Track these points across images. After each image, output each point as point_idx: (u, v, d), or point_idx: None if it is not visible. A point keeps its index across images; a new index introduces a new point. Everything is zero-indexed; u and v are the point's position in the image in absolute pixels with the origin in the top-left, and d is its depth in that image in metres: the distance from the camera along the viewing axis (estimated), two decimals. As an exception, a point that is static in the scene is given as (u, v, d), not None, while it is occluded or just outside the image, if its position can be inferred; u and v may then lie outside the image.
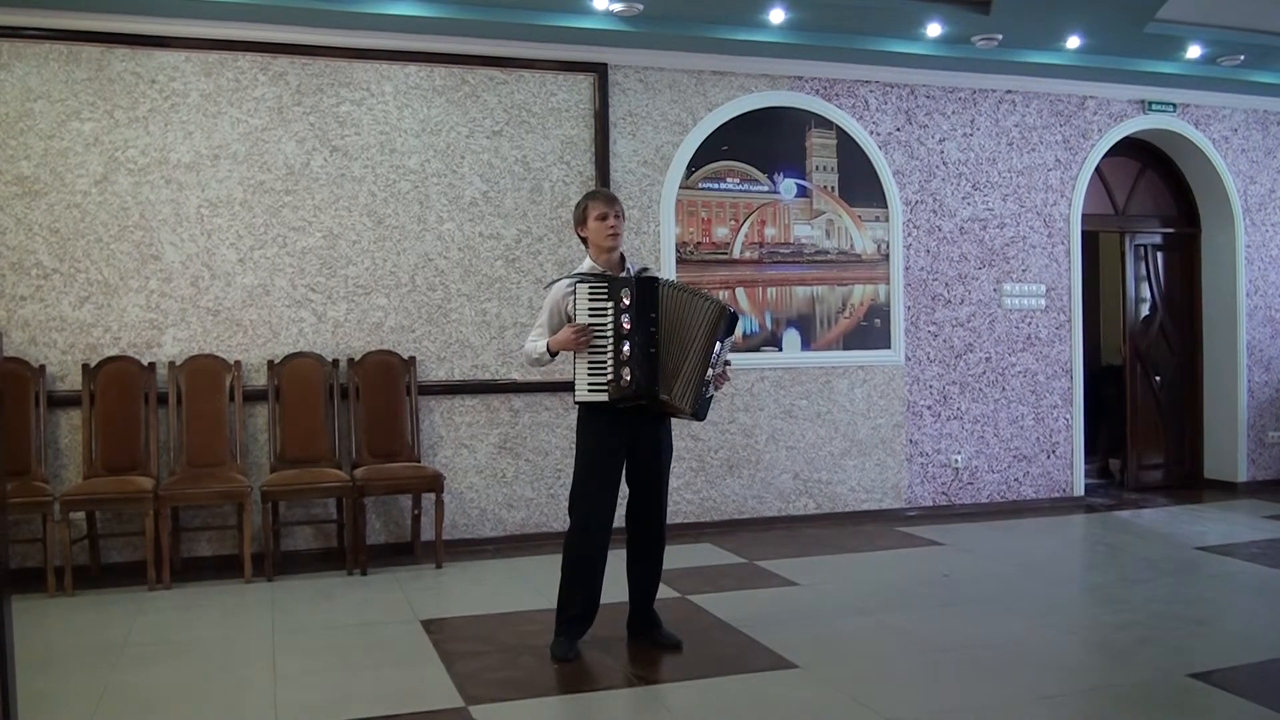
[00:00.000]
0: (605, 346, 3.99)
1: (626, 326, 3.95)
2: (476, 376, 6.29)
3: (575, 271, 4.26)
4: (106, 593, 5.27)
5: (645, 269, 4.29)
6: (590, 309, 4.01)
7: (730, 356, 4.23)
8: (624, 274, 4.14)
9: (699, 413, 4.07)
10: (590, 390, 4.02)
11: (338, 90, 6.07)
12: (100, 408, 5.56)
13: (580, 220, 4.22)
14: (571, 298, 4.08)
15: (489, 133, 6.34)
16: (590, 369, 4.01)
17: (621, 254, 4.25)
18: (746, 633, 4.43)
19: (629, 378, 3.93)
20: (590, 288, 4.03)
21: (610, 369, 3.97)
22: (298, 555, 5.93)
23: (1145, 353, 8.26)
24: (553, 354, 4.13)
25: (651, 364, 3.96)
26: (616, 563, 4.24)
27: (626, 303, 3.96)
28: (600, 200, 4.19)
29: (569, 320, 4.07)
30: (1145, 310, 8.30)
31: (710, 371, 4.01)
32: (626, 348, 3.94)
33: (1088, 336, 8.11)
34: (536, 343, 4.17)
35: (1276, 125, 8.26)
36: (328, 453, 5.89)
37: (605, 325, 3.99)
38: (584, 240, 4.26)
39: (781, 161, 6.91)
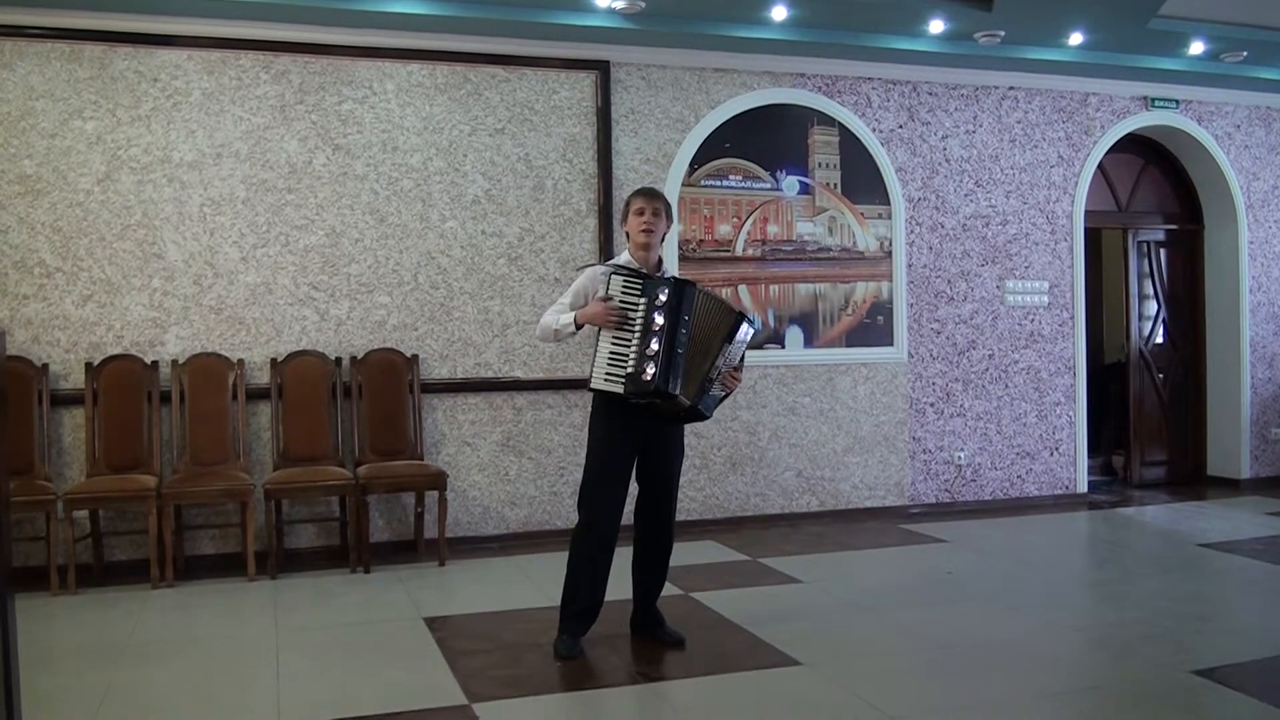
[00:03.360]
0: (630, 339, 3.98)
1: (658, 325, 3.93)
2: (479, 374, 6.29)
3: (612, 262, 4.27)
4: (110, 591, 5.28)
5: (674, 277, 4.28)
6: (621, 301, 4.02)
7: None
8: (659, 274, 4.15)
9: (702, 410, 4.05)
10: (607, 379, 4.01)
11: (340, 88, 6.07)
12: (103, 406, 5.57)
13: (624, 214, 4.26)
14: (604, 285, 4.08)
15: (491, 130, 6.34)
16: (611, 359, 4.00)
17: (660, 258, 4.25)
18: (750, 630, 4.44)
19: (651, 374, 3.91)
20: (625, 281, 4.04)
21: (632, 362, 3.95)
22: (301, 553, 5.94)
23: (1148, 349, 8.26)
24: (578, 326, 4.11)
25: (677, 364, 3.94)
26: (621, 561, 4.24)
27: (661, 300, 3.95)
28: (641, 196, 4.20)
29: None
30: (1148, 307, 8.29)
31: (716, 371, 4.03)
32: (655, 344, 3.92)
33: (1090, 333, 8.10)
34: (559, 316, 4.15)
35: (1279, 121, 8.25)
36: (330, 451, 5.89)
37: (634, 320, 3.99)
38: (627, 235, 4.27)
39: (784, 159, 6.91)
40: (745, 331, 4.09)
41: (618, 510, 4.15)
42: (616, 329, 4.00)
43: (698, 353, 4.01)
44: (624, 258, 4.24)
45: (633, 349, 3.97)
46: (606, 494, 4.13)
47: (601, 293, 4.08)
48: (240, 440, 5.78)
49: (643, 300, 3.99)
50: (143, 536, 5.51)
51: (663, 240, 4.24)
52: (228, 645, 4.37)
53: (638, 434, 4.11)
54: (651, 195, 4.20)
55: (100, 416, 5.56)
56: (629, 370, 3.96)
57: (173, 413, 5.71)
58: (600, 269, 4.18)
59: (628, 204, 4.23)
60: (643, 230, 4.14)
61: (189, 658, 4.20)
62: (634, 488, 4.24)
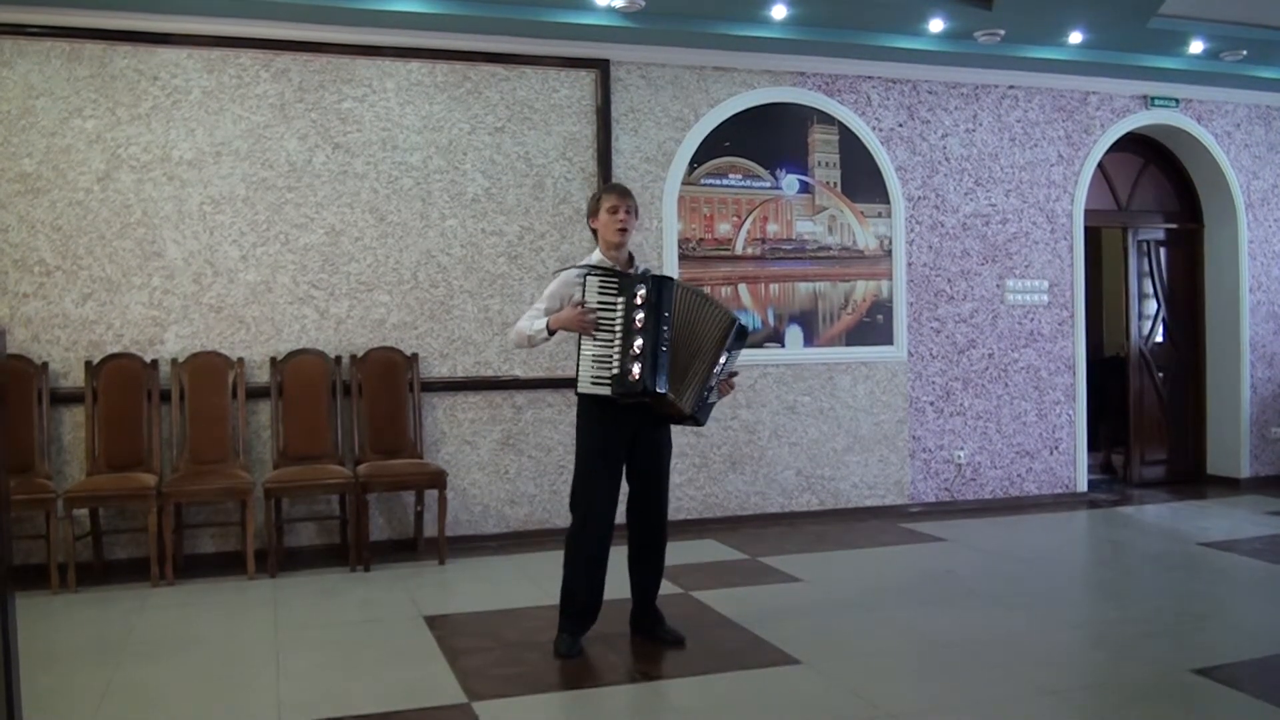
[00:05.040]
0: (612, 340, 3.96)
1: (638, 324, 3.91)
2: (479, 373, 6.29)
3: (584, 263, 4.24)
4: (110, 589, 5.28)
5: (648, 269, 4.28)
6: (599, 302, 3.99)
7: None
8: (633, 271, 4.14)
9: (698, 416, 4.07)
10: (594, 383, 3.99)
11: (340, 87, 6.07)
12: (103, 405, 5.57)
13: (592, 211, 4.22)
14: (579, 288, 4.05)
15: (491, 129, 6.33)
16: (595, 362, 3.98)
17: (630, 253, 4.25)
18: (749, 629, 4.44)
19: (638, 374, 3.89)
20: (600, 281, 4.01)
21: (616, 363, 3.94)
22: (301, 552, 5.94)
23: (1148, 348, 8.26)
24: (551, 332, 4.09)
25: (663, 363, 3.93)
26: (619, 559, 4.24)
27: (640, 299, 3.93)
28: (613, 194, 4.18)
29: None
30: (1148, 306, 8.29)
31: (714, 378, 4.02)
32: (638, 343, 3.90)
33: (1090, 332, 8.11)
34: (533, 321, 4.11)
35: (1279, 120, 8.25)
36: (330, 449, 5.89)
37: (613, 320, 3.97)
38: (594, 232, 4.25)
39: (784, 157, 6.91)
40: (739, 335, 4.07)
41: (610, 509, 4.14)
42: (596, 331, 3.98)
43: (685, 350, 4.00)
44: (595, 257, 4.20)
45: (616, 350, 3.94)
46: (597, 494, 4.11)
47: (577, 296, 4.04)
48: (240, 439, 5.78)
49: (621, 299, 3.96)
50: (143, 535, 5.51)
51: None
52: (228, 643, 4.37)
53: (625, 433, 4.10)
54: (624, 193, 4.18)
55: (100, 415, 5.56)
56: (614, 371, 3.93)
57: (172, 411, 5.71)
58: (574, 272, 4.14)
59: (597, 201, 4.19)
60: (618, 229, 4.11)
61: (189, 656, 4.20)
62: (625, 485, 4.23)
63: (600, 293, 4.00)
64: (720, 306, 4.14)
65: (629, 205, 4.15)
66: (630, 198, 4.18)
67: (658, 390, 3.92)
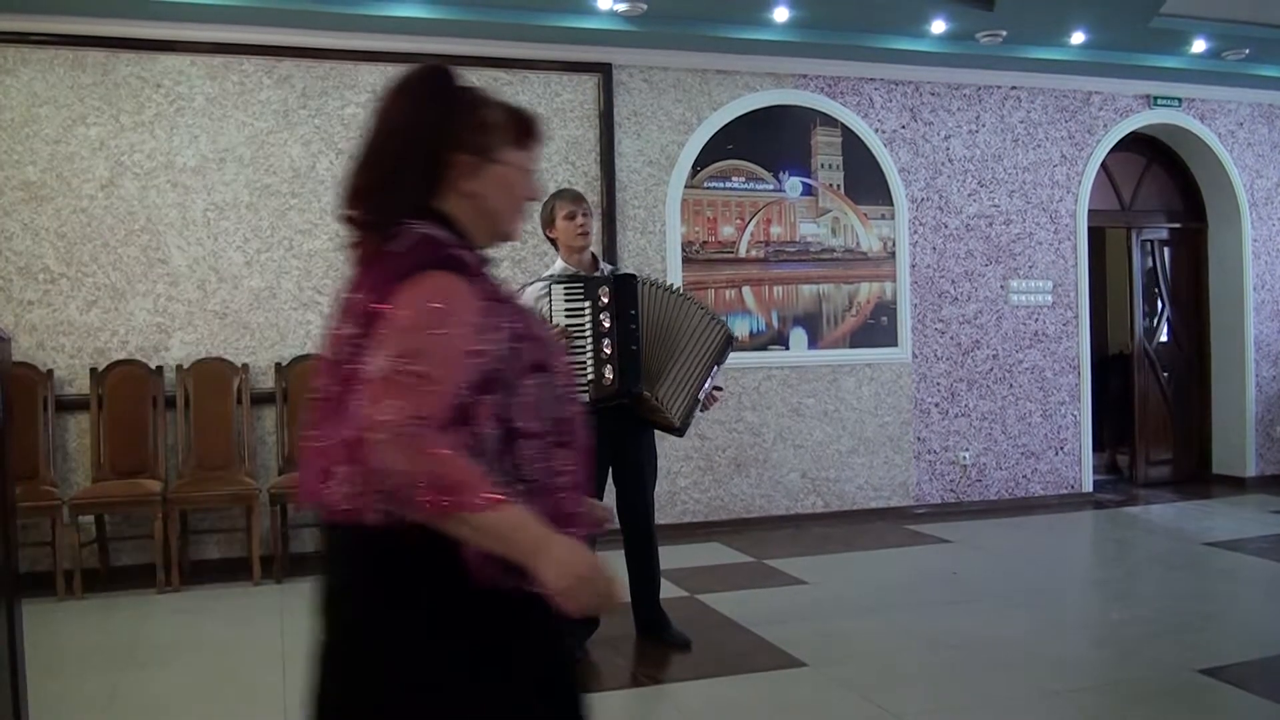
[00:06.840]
0: (584, 347, 3.93)
1: (606, 325, 3.88)
2: (483, 377, 6.28)
3: (546, 274, 4.19)
4: (116, 595, 5.29)
5: (614, 269, 4.26)
6: (567, 310, 3.95)
7: (736, 355, 4.23)
8: (597, 273, 4.12)
9: (684, 425, 4.05)
10: None
11: (343, 93, 6.08)
12: (108, 411, 5.58)
13: (548, 221, 4.16)
14: (546, 301, 4.00)
15: (494, 134, 6.33)
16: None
17: (593, 254, 4.22)
18: (755, 631, 4.43)
19: (611, 376, 3.87)
20: (566, 289, 3.97)
21: (590, 369, 3.91)
22: (306, 557, 5.92)
23: (1152, 348, 8.24)
24: None
25: (634, 362, 3.91)
26: (619, 562, 4.24)
27: (605, 301, 3.90)
28: (567, 199, 4.13)
29: None
30: (1152, 306, 8.28)
31: (704, 390, 4.02)
32: (607, 345, 3.87)
33: (1094, 332, 8.10)
34: None
35: (1283, 119, 8.25)
36: (335, 454, 5.88)
37: (583, 325, 3.94)
38: (553, 242, 4.21)
39: (787, 160, 6.91)
40: (729, 345, 4.07)
41: None
42: (570, 344, 3.95)
43: (661, 348, 3.98)
44: (558, 267, 4.16)
45: (589, 356, 3.92)
46: None
47: (545, 312, 3.99)
48: (245, 444, 5.78)
49: (588, 303, 3.94)
50: (148, 541, 5.51)
51: None
52: (234, 649, 4.38)
53: (605, 437, 4.07)
54: (577, 197, 4.16)
55: (105, 422, 5.57)
56: (590, 378, 3.91)
57: (178, 417, 5.72)
58: (538, 286, 4.08)
59: (552, 209, 4.13)
60: (579, 233, 4.08)
61: (194, 662, 4.21)
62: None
63: (567, 300, 3.96)
64: (703, 308, 4.07)
65: (585, 208, 4.12)
66: (585, 200, 4.16)
67: (634, 391, 3.90)
